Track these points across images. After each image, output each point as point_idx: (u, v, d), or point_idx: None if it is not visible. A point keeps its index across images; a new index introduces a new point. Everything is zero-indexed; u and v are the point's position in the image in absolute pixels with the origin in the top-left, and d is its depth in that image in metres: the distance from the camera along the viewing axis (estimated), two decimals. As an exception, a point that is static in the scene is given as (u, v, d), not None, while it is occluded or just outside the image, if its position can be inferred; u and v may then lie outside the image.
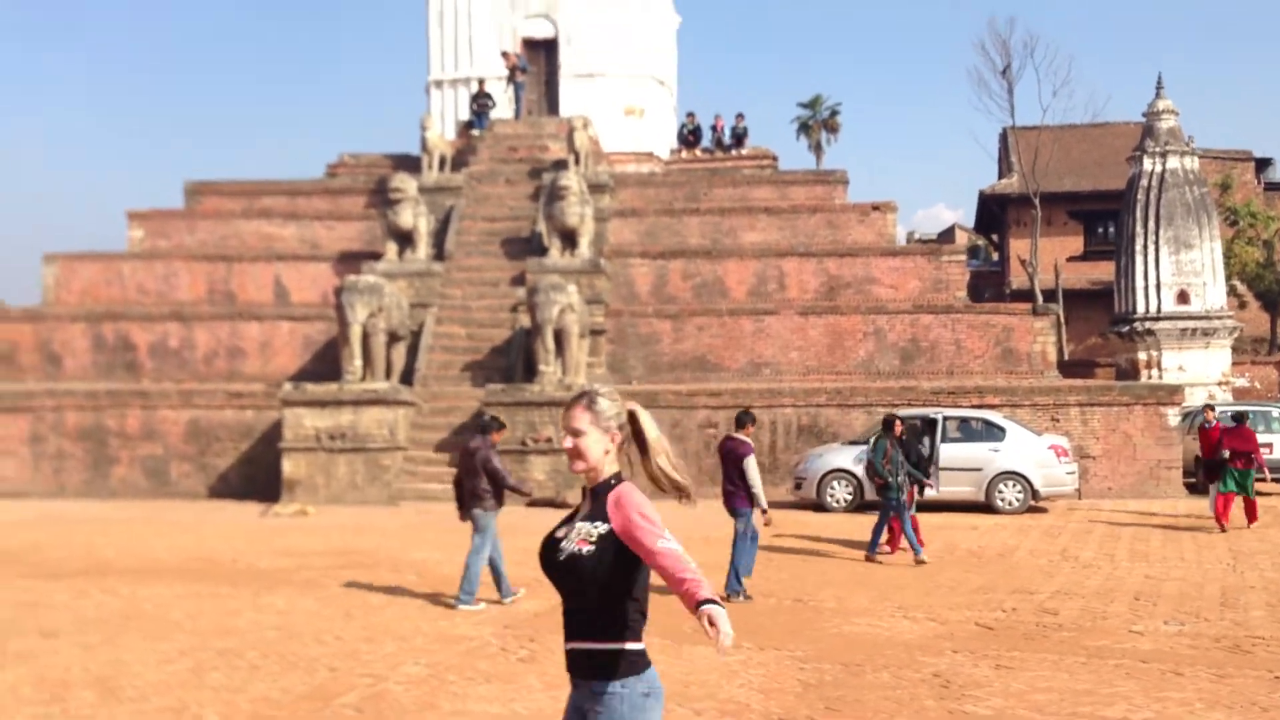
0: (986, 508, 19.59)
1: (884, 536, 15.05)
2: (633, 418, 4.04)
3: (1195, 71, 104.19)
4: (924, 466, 16.03)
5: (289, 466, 22.35)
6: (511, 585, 11.99)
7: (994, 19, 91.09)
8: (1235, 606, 11.51)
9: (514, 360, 24.50)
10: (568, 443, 3.99)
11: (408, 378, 24.41)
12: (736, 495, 12.42)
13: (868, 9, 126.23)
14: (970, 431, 20.36)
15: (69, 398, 24.31)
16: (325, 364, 25.60)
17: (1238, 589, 12.49)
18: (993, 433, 20.03)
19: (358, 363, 23.24)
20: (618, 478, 3.96)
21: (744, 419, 12.86)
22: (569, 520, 3.99)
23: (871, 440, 14.55)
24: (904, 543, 14.88)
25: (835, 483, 20.33)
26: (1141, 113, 33.23)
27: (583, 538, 3.83)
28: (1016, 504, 19.61)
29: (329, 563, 14.74)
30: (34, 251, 58.59)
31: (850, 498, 20.23)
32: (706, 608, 3.54)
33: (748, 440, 12.58)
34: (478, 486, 11.83)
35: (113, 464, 24.06)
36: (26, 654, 9.60)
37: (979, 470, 19.61)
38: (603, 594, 3.80)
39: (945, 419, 20.32)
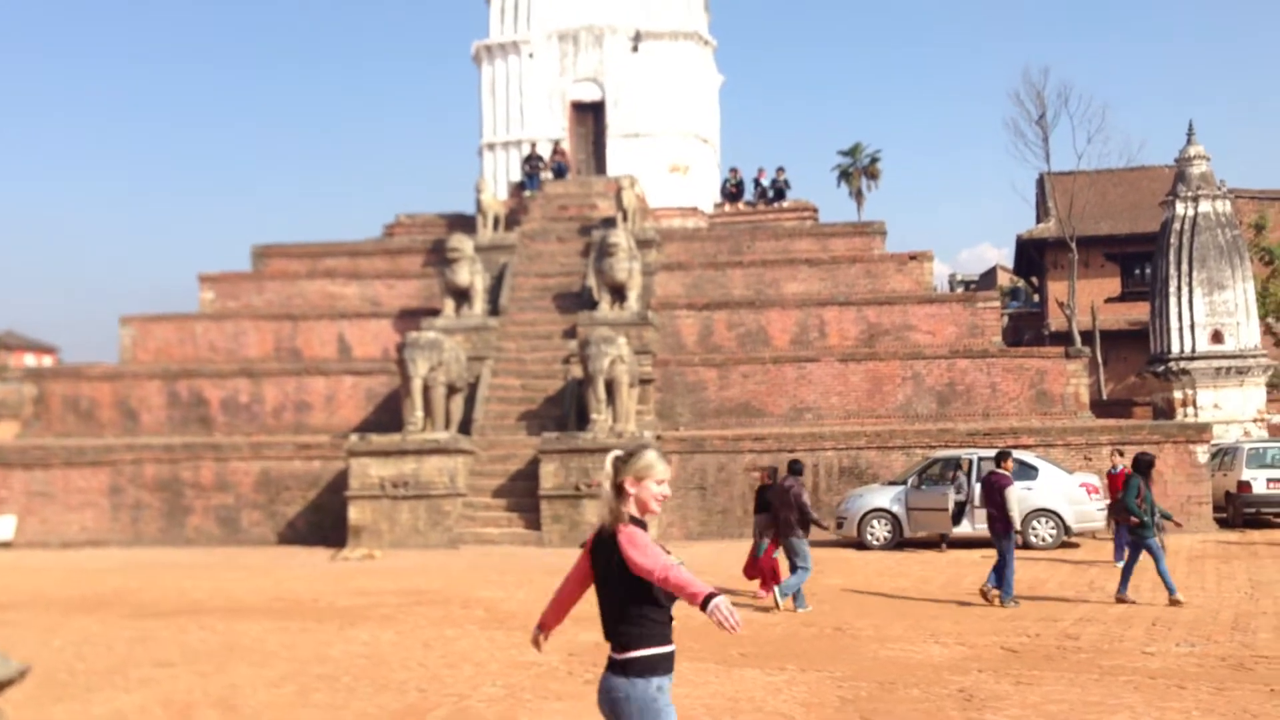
0: (1021, 544, 20.40)
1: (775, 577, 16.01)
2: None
3: (1232, 111, 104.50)
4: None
5: (355, 513, 23.56)
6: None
7: (1028, 70, 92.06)
8: (1245, 630, 12.36)
9: (567, 409, 25.67)
10: (667, 490, 4.99)
11: (466, 427, 25.61)
12: (998, 521, 14.50)
13: (905, 61, 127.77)
14: (1005, 472, 21.18)
15: (146, 451, 25.72)
16: (387, 415, 26.93)
17: (1250, 614, 13.33)
18: (1026, 471, 20.77)
19: (419, 414, 24.45)
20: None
21: (1004, 455, 15.42)
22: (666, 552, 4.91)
23: (1127, 480, 15.03)
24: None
25: (875, 521, 21.25)
26: (1173, 158, 34.14)
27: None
28: (1050, 540, 20.43)
29: (402, 601, 15.89)
30: (108, 313, 61.44)
31: (889, 536, 21.12)
32: (712, 602, 4.47)
33: (1008, 474, 14.82)
34: (790, 518, 14.56)
35: (188, 513, 25.40)
36: (148, 680, 10.80)
37: (1013, 508, 20.43)
38: (620, 610, 4.82)
39: (980, 459, 21.22)
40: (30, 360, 52.24)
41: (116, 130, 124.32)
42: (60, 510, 25.24)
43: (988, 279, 74.78)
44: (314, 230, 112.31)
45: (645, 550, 4.68)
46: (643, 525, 4.87)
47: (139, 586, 18.10)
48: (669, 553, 4.82)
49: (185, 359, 29.68)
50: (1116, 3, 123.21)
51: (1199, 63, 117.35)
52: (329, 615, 14.76)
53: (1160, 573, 14.46)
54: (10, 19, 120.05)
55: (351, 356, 29.42)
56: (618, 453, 5.00)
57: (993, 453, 21.71)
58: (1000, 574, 14.38)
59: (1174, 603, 14.07)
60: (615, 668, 4.81)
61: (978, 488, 20.51)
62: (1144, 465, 14.94)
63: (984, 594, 14.51)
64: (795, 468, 15.54)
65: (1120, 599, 14.50)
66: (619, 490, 4.89)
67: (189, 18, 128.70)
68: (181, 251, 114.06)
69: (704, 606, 4.47)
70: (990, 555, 19.31)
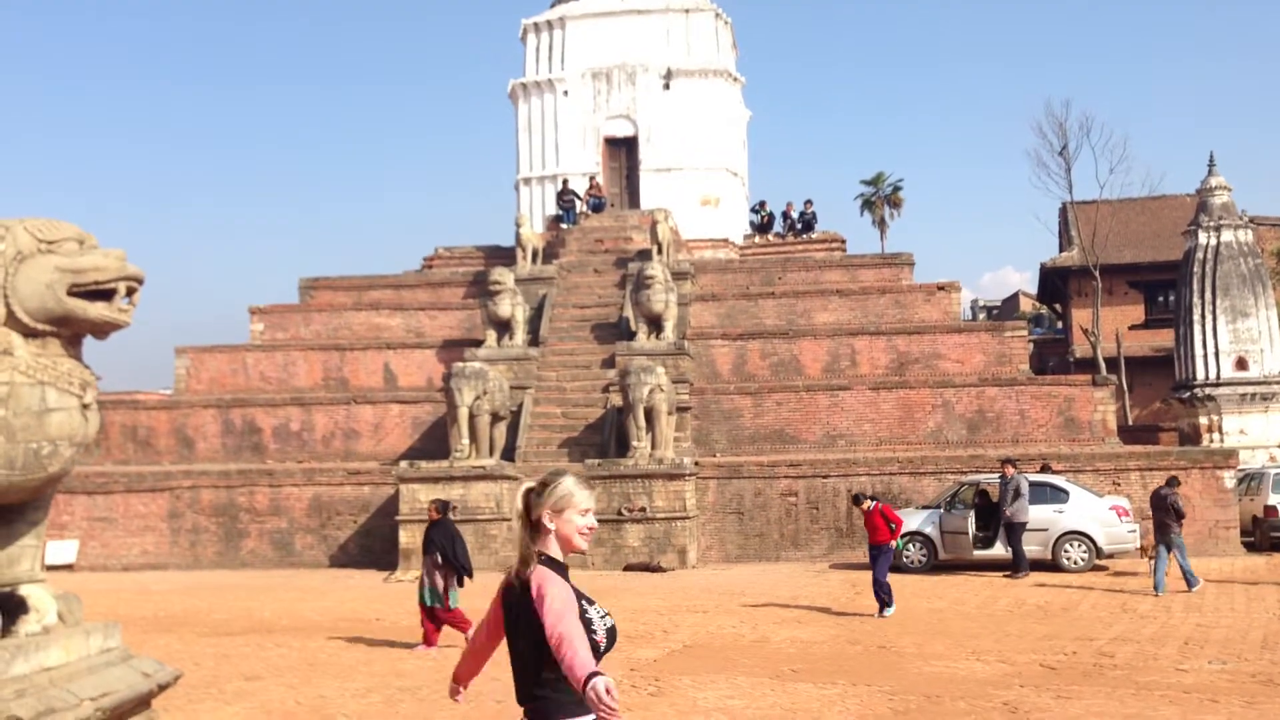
0: (1053, 566, 21.04)
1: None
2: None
3: (1255, 137, 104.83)
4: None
5: (405, 537, 24.29)
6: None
7: (1050, 102, 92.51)
8: (1275, 649, 12.99)
9: (607, 437, 26.44)
10: (593, 521, 4.36)
11: (509, 454, 26.40)
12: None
13: (926, 89, 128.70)
14: (1036, 495, 21.77)
15: (204, 477, 26.60)
16: (432, 442, 27.78)
17: (1279, 633, 13.97)
18: (1057, 495, 21.44)
19: (465, 441, 25.27)
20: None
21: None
22: (587, 599, 4.33)
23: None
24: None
25: (910, 545, 21.88)
26: (1195, 188, 34.83)
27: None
28: (1082, 562, 21.00)
29: (462, 621, 16.62)
30: (149, 341, 62.83)
31: (925, 559, 21.77)
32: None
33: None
34: (1166, 520, 18.24)
35: (243, 537, 26.25)
36: (243, 693, 11.59)
37: (1045, 530, 21.05)
38: (534, 671, 4.31)
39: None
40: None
41: (163, 166, 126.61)
42: (121, 535, 26.12)
43: (1010, 305, 75.41)
44: (352, 261, 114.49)
45: (552, 604, 4.07)
46: (562, 567, 4.29)
47: (208, 607, 18.91)
48: (591, 603, 4.30)
49: (237, 388, 30.63)
50: (1136, 32, 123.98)
51: (1219, 92, 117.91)
52: (394, 633, 15.55)
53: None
54: (64, 56, 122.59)
55: (397, 385, 30.32)
56: (530, 484, 4.37)
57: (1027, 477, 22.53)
58: None
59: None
60: None
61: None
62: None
63: None
64: (1173, 482, 19.26)
65: None
66: (535, 527, 4.28)
67: (238, 66, 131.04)
68: (225, 283, 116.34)
69: (583, 686, 3.86)
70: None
